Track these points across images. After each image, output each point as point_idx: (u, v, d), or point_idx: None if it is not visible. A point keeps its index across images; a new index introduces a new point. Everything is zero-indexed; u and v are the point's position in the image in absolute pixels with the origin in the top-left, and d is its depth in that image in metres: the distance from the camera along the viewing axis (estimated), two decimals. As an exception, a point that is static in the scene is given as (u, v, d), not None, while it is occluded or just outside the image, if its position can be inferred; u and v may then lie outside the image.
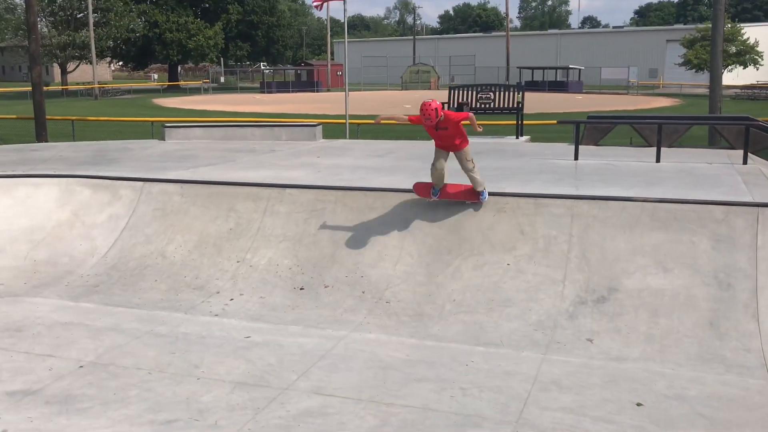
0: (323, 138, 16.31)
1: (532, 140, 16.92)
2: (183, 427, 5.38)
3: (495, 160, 12.15)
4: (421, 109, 7.99)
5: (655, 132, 11.95)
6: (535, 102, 35.59)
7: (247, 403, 5.77)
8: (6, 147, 15.14)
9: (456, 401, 5.73)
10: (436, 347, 6.85)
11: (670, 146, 13.03)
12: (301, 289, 8.28)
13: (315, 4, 20.08)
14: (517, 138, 16.36)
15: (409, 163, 11.86)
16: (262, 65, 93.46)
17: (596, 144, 14.29)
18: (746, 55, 64.49)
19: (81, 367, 6.45)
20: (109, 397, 5.86)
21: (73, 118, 26.63)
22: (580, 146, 12.25)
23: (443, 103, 9.13)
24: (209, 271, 8.77)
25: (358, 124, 22.97)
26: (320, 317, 7.68)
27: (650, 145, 12.78)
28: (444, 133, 8.21)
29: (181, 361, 6.60)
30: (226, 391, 5.98)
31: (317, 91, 75.54)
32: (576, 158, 11.93)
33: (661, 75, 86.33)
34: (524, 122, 16.74)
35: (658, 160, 11.48)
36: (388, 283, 8.11)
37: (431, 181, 8.53)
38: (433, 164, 8.38)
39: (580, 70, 74.34)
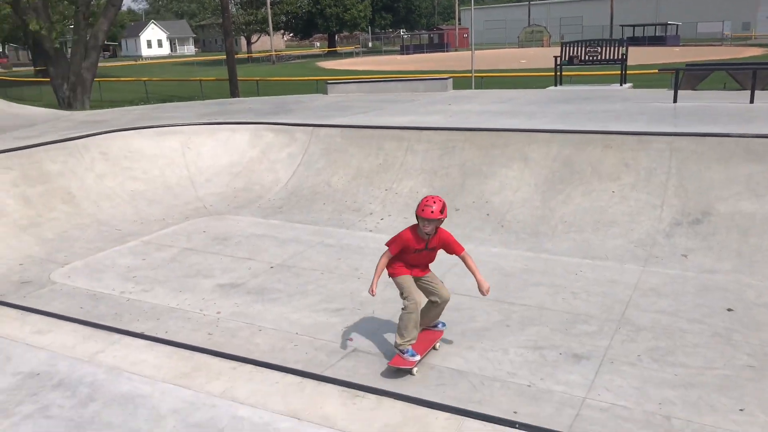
0: (453, 89, 16.01)
1: (635, 87, 15.87)
2: (349, 314, 5.60)
3: (602, 104, 11.50)
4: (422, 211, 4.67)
5: (750, 76, 10.90)
6: (637, 55, 33.18)
7: (396, 297, 5.91)
8: (209, 101, 15.88)
9: (567, 303, 5.62)
10: (549, 259, 6.71)
11: (763, 89, 11.86)
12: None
13: None
14: (621, 85, 15.38)
15: (527, 108, 11.45)
16: (402, 31, 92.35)
17: (693, 89, 13.22)
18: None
19: (271, 267, 6.81)
20: (292, 291, 6.17)
21: (257, 78, 27.50)
22: (678, 91, 11.37)
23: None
24: (364, 197, 8.93)
25: (482, 77, 22.35)
26: (453, 234, 7.67)
27: (744, 89, 11.68)
28: (431, 253, 5.11)
29: (345, 265, 6.83)
30: (380, 289, 6.12)
31: (447, 51, 73.82)
32: (675, 101, 11.09)
33: (754, 28, 77.94)
34: (627, 72, 15.69)
35: (752, 101, 10.49)
36: (509, 207, 7.96)
37: (405, 339, 4.58)
38: (415, 300, 4.79)
39: (677, 25, 68.34)
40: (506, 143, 8.71)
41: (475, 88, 18.99)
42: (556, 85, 15.75)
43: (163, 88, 30.37)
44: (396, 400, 2.77)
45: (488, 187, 8.33)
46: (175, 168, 9.98)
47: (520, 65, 40.23)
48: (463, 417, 2.62)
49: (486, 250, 7.06)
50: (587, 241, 7.06)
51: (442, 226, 4.86)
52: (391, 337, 5.12)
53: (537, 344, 4.92)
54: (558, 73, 15.81)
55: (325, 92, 16.39)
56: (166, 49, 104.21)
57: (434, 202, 4.64)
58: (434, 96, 14.50)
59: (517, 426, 2.64)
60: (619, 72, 15.56)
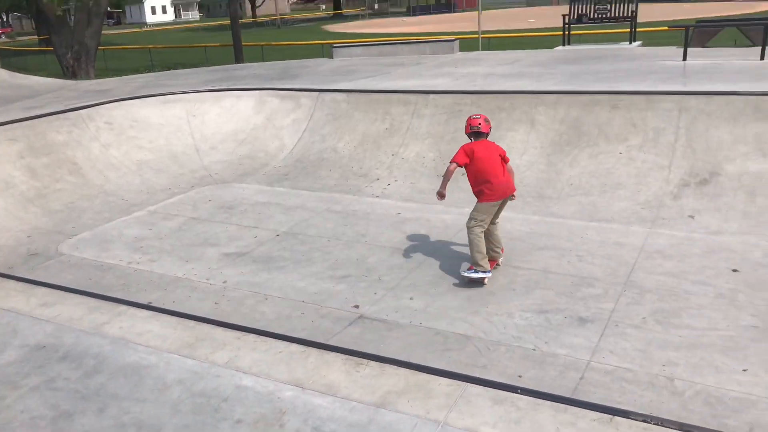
0: (460, 51, 15.77)
1: (644, 45, 15.57)
2: (355, 281, 5.61)
3: (610, 63, 11.30)
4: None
5: (761, 33, 10.63)
6: (647, 12, 32.47)
7: (403, 263, 5.93)
8: (213, 68, 15.74)
9: (572, 266, 5.60)
10: (555, 223, 6.68)
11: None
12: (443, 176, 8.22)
13: None
14: (630, 43, 15.09)
15: (533, 69, 11.27)
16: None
17: (703, 46, 12.94)
18: None
19: (277, 235, 6.82)
20: (299, 258, 6.19)
21: (262, 44, 27.21)
22: (688, 49, 11.14)
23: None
24: (370, 163, 8.88)
25: (489, 38, 21.99)
26: (458, 198, 7.62)
27: (755, 45, 11.42)
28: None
29: (352, 231, 6.83)
30: (387, 255, 6.15)
31: (454, 12, 72.66)
32: (684, 59, 10.87)
33: (769, -20, 75.90)
34: (637, 29, 15.37)
35: (762, 58, 10.26)
36: (515, 171, 7.87)
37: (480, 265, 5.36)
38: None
39: (689, -20, 66.58)
40: (513, 106, 8.60)
41: (482, 50, 18.68)
42: (564, 45, 15.47)
43: (167, 55, 30.12)
44: (399, 367, 2.78)
45: (494, 151, 8.24)
46: (180, 136, 9.95)
47: (529, 25, 39.54)
48: (465, 383, 2.63)
49: (492, 215, 7.03)
50: (593, 203, 7.00)
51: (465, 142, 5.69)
52: (398, 303, 5.15)
53: (542, 308, 4.92)
54: (566, 33, 15.51)
55: (330, 56, 16.19)
56: (170, 16, 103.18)
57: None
58: (441, 58, 14.30)
59: (519, 391, 2.65)
60: (629, 30, 15.26)
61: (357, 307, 5.15)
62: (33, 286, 3.75)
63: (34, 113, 9.29)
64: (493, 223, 5.61)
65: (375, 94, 9.89)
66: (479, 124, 5.58)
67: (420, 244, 6.36)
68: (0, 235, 7.02)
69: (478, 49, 18.79)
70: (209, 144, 9.90)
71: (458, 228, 6.67)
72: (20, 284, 3.80)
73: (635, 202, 6.86)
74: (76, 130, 9.24)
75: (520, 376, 3.99)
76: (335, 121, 9.77)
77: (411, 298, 5.23)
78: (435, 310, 5.00)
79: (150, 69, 23.54)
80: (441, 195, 5.69)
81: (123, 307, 3.45)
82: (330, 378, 2.72)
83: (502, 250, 5.74)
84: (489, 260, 5.50)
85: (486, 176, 5.46)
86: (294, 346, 2.97)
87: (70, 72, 20.78)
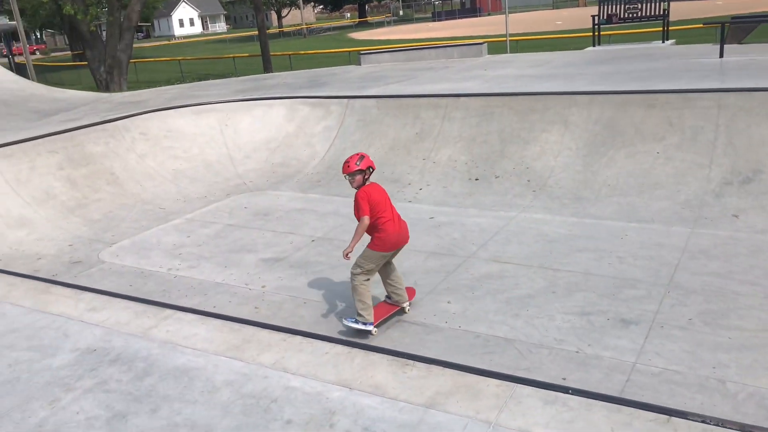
0: (488, 54, 15.73)
1: (678, 43, 15.35)
2: (392, 286, 5.61)
3: (643, 62, 11.17)
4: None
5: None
6: (677, 10, 32.03)
7: (439, 267, 5.91)
8: (243, 78, 15.94)
9: (613, 267, 5.54)
10: (593, 224, 6.61)
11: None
12: (476, 179, 8.21)
13: None
14: (663, 42, 14.90)
15: (565, 70, 11.19)
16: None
17: (740, 42, 12.71)
18: None
19: (313, 241, 6.86)
20: (334, 263, 6.21)
21: (290, 53, 27.50)
22: (724, 46, 10.96)
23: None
24: (402, 168, 8.90)
25: (517, 40, 21.91)
26: (493, 202, 7.61)
27: (795, 40, 11.18)
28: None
29: (386, 236, 6.83)
30: (422, 259, 6.15)
31: (479, 16, 72.54)
32: (721, 56, 10.70)
33: (804, -25, 74.26)
34: (669, 27, 15.17)
35: (803, 53, 10.06)
36: (551, 173, 7.84)
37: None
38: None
39: (720, -23, 65.54)
40: (545, 107, 8.54)
41: (511, 52, 18.62)
42: (594, 46, 15.34)
43: (197, 66, 30.60)
44: (445, 368, 2.78)
45: (528, 153, 8.21)
46: (214, 145, 10.08)
47: (556, 27, 39.28)
48: (514, 384, 2.61)
49: (528, 217, 6.99)
50: (632, 204, 6.92)
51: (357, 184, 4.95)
52: (436, 306, 5.13)
53: (584, 310, 4.87)
54: (596, 33, 15.38)
55: (358, 63, 16.28)
56: (197, 28, 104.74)
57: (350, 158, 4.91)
58: (469, 62, 14.28)
59: (570, 392, 2.62)
60: (661, 28, 15.07)
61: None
62: (80, 291, 3.84)
63: (71, 125, 9.50)
64: (391, 270, 5.08)
65: (404, 99, 9.91)
66: (367, 164, 4.85)
67: (456, 248, 6.34)
68: (43, 244, 7.19)
69: (506, 52, 18.73)
70: (243, 153, 10.01)
71: (494, 231, 6.64)
72: (68, 290, 3.89)
73: (675, 202, 6.76)
74: (112, 141, 9.43)
75: (564, 379, 3.95)
76: (365, 127, 9.81)
77: (449, 302, 5.22)
78: (473, 314, 4.99)
79: (181, 80, 23.93)
80: (347, 256, 4.79)
81: (168, 311, 3.50)
82: (377, 379, 2.73)
83: (411, 293, 5.21)
84: (392, 304, 5.10)
85: (380, 223, 4.81)
86: (339, 347, 2.99)
87: (103, 85, 21.23)
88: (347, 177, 4.91)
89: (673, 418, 2.43)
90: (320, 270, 6.06)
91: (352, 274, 4.86)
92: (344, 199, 8.25)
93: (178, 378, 2.86)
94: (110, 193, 8.59)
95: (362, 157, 4.90)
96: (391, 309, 5.07)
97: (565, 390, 2.63)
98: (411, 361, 2.85)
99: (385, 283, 5.11)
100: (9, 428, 2.63)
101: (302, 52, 29.10)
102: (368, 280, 4.88)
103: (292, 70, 19.82)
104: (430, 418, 2.46)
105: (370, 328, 4.74)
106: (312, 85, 12.43)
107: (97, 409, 2.69)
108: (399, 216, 5.04)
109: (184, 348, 3.09)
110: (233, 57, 29.11)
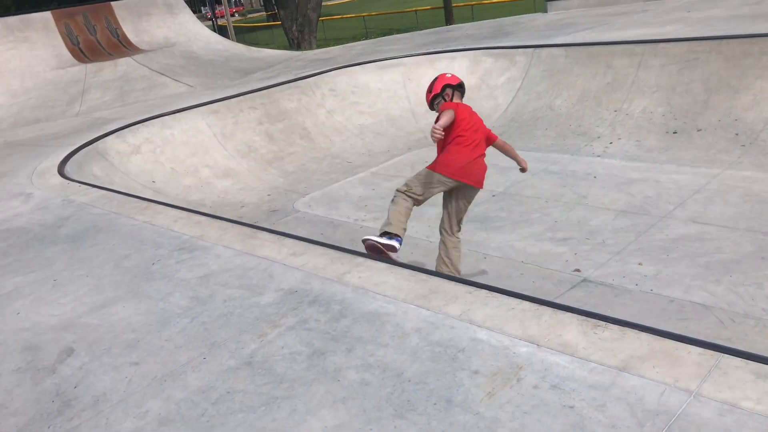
0: (693, -6, 14.23)
1: None
2: (577, 243, 5.45)
3: None
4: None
5: None
6: None
7: (629, 227, 5.61)
8: (426, 31, 15.99)
9: (841, 233, 4.88)
10: (817, 183, 5.84)
11: None
12: (674, 133, 7.60)
13: None
14: None
15: (788, 7, 9.83)
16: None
17: None
18: None
19: (493, 196, 6.82)
20: (516, 219, 6.15)
21: (473, 3, 27.00)
22: None
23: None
24: (590, 120, 8.48)
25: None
26: (694, 157, 7.02)
27: None
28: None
29: (572, 192, 6.61)
30: (611, 217, 5.87)
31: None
32: None
33: None
34: None
35: None
36: (765, 125, 7.02)
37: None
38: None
39: None
40: (763, 50, 7.60)
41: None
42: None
43: (381, 22, 31.22)
44: (641, 332, 2.65)
45: (738, 103, 7.41)
46: (397, 100, 10.31)
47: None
48: (720, 353, 2.43)
49: (735, 174, 6.37)
50: None
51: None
52: (625, 267, 4.89)
53: (801, 279, 4.36)
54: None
55: (544, 10, 15.59)
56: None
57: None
58: (671, 3, 13.06)
59: (784, 367, 2.37)
60: None
61: (579, 270, 4.99)
62: (282, 237, 4.18)
63: (268, 83, 10.22)
64: (452, 233, 4.49)
65: (596, 46, 9.36)
66: (440, 84, 4.52)
67: (649, 207, 5.96)
68: (246, 193, 7.90)
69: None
70: (425, 107, 10.06)
71: (694, 189, 6.14)
72: (271, 235, 4.25)
73: None
74: (304, 98, 10.01)
75: (774, 353, 3.60)
76: (551, 77, 9.43)
77: (640, 264, 4.95)
78: (668, 277, 4.68)
79: (366, 36, 24.59)
80: (435, 133, 4.08)
81: (360, 259, 3.70)
82: (566, 338, 2.68)
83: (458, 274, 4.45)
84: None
85: (454, 141, 4.29)
86: (526, 304, 2.97)
87: (295, 43, 22.46)
88: (434, 110, 4.54)
89: None
90: (501, 226, 6.03)
91: (395, 191, 4.33)
92: (527, 153, 8.00)
93: (371, 322, 3.02)
94: (303, 146, 9.17)
95: (434, 80, 4.57)
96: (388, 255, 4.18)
97: (780, 365, 2.39)
98: (603, 323, 2.75)
99: (441, 258, 4.47)
100: (226, 356, 2.97)
101: (486, 1, 28.38)
102: (409, 202, 4.25)
103: (474, 20, 19.49)
104: (623, 381, 2.38)
105: (394, 243, 4.15)
106: (496, 36, 12.17)
107: (299, 345, 2.94)
108: (482, 152, 4.40)
109: (375, 294, 3.26)
110: (415, 11, 29.25)
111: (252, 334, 3.09)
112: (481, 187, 4.48)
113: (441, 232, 4.54)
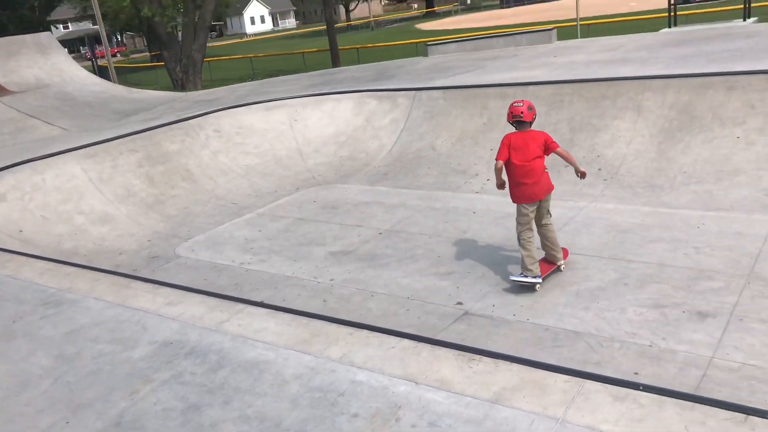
0: (558, 40, 15.32)
1: (760, 21, 14.51)
2: (459, 277, 5.59)
3: (723, 42, 10.62)
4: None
5: None
6: (762, -16, 30.19)
7: (506, 259, 5.84)
8: (312, 73, 16.16)
9: (689, 258, 5.32)
10: (668, 213, 6.36)
11: None
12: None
13: None
14: (744, 20, 14.12)
15: (638, 54, 10.77)
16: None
17: (831, 17, 11.89)
18: None
19: (380, 233, 6.91)
20: (402, 255, 6.24)
21: (358, 46, 27.66)
22: (813, 21, 10.27)
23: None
24: (469, 159, 8.82)
25: (589, 24, 21.25)
26: (563, 191, 7.42)
27: None
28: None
29: (453, 228, 6.81)
30: (490, 251, 6.08)
31: (550, 1, 70.67)
32: (809, 33, 10.05)
33: None
34: (752, 4, 14.36)
35: None
36: (622, 161, 7.59)
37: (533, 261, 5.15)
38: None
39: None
40: (617, 93, 8.26)
41: (581, 38, 18.07)
42: (670, 27, 14.71)
43: (268, 63, 31.24)
44: (512, 363, 2.74)
45: (599, 141, 7.98)
46: (284, 141, 10.28)
47: (630, 8, 37.85)
48: (583, 379, 2.56)
49: (599, 207, 6.81)
50: (709, 192, 6.62)
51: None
52: (504, 299, 5.08)
53: (658, 303, 4.70)
54: (672, 14, 14.75)
55: (425, 55, 16.20)
56: (268, 24, 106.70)
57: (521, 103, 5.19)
58: (538, 49, 13.96)
59: (641, 388, 2.54)
60: (743, 5, 14.29)
61: (461, 303, 5.13)
62: (158, 286, 4.01)
63: (150, 125, 9.90)
64: (542, 225, 5.31)
65: (472, 89, 9.80)
66: (521, 112, 5.12)
67: (524, 239, 6.23)
68: (124, 240, 7.54)
69: (577, 37, 18.20)
70: (312, 147, 10.17)
71: (564, 222, 6.50)
72: (147, 284, 4.06)
73: (757, 189, 6.42)
74: (188, 139, 9.76)
75: (636, 374, 3.84)
76: (432, 118, 9.77)
77: (517, 295, 5.15)
78: (542, 306, 4.91)
79: (252, 77, 24.49)
80: (500, 186, 5.34)
81: (240, 306, 3.61)
82: (443, 373, 2.73)
83: (565, 253, 5.47)
84: (547, 263, 5.35)
85: (514, 176, 5.21)
86: (406, 342, 3.00)
87: (179, 84, 22.00)
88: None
89: (750, 416, 2.32)
90: (387, 263, 6.10)
91: (517, 232, 5.21)
92: (411, 191, 8.26)
93: (249, 371, 2.94)
94: (186, 189, 8.90)
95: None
96: (549, 268, 5.30)
97: (636, 386, 2.55)
98: (477, 356, 2.83)
99: (542, 242, 5.33)
100: (92, 418, 2.78)
101: (370, 45, 29.18)
102: (529, 232, 5.13)
103: (360, 63, 19.91)
104: (496, 413, 2.45)
105: (538, 280, 5.06)
106: (379, 78, 12.47)
107: (173, 400, 2.81)
108: (541, 167, 5.17)
109: (254, 341, 3.19)
110: (303, 53, 29.55)
111: (122, 392, 2.92)
112: (548, 194, 5.28)
113: (535, 229, 5.24)
